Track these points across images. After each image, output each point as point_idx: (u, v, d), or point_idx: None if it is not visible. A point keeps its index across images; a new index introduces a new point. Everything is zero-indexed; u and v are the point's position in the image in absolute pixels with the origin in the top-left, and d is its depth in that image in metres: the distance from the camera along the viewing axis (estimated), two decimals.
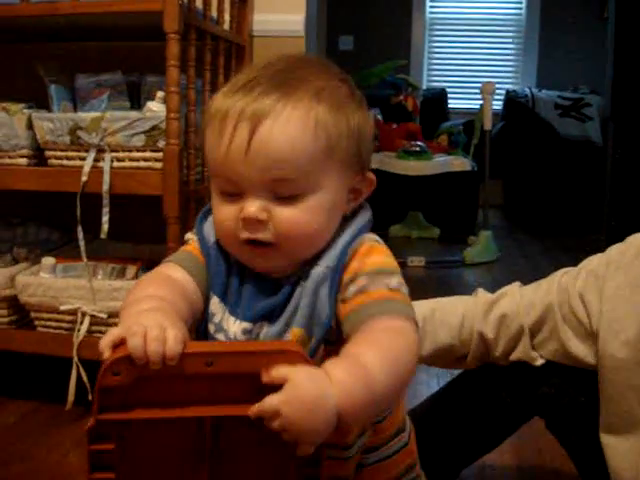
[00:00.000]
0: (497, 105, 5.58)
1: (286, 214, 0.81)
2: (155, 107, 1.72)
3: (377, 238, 0.88)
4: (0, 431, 1.78)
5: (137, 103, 1.92)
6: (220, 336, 0.88)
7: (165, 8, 1.61)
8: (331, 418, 0.68)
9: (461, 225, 4.60)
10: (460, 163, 4.07)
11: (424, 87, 6.05)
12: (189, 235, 0.94)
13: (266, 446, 0.73)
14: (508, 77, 6.24)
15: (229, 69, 2.07)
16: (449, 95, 5.91)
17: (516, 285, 1.33)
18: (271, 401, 0.67)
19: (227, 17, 2.08)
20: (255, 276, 0.87)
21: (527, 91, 5.67)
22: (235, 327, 0.86)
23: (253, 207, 0.80)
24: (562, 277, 1.25)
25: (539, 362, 1.26)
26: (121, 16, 1.75)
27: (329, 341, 0.84)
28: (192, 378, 0.71)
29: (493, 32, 6.22)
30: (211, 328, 0.89)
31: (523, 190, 5.23)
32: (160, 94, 1.73)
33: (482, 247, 3.96)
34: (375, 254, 0.85)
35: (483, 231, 4.01)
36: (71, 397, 1.79)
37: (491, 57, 6.25)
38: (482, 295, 1.34)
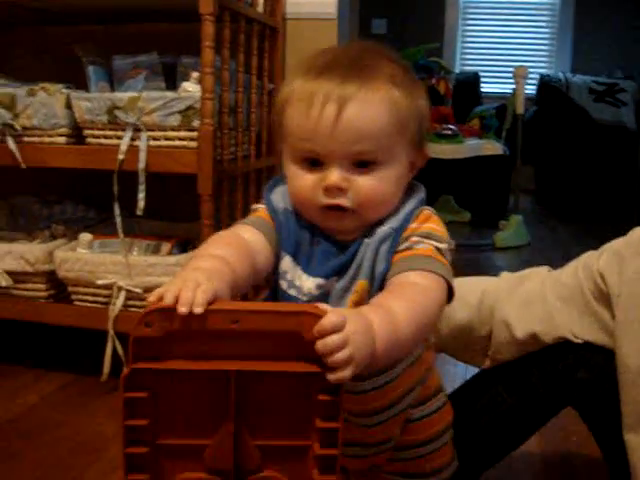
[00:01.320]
0: (531, 90, 5.56)
1: (364, 182, 0.92)
2: (190, 87, 1.75)
3: (434, 211, 0.98)
4: (39, 401, 1.84)
5: (172, 83, 1.95)
6: (292, 292, 0.97)
7: None
8: (372, 347, 0.76)
9: (492, 209, 4.59)
10: (492, 147, 4.06)
11: (457, 71, 6.05)
12: (256, 205, 1.03)
13: (288, 397, 0.78)
14: (542, 62, 6.23)
15: (263, 51, 2.09)
16: (482, 79, 5.90)
17: (544, 268, 1.30)
18: (334, 315, 0.74)
19: (261, 0, 2.11)
20: (325, 237, 0.97)
21: (561, 76, 5.64)
22: (309, 283, 0.96)
23: (335, 177, 0.91)
24: (586, 259, 1.21)
25: (578, 340, 1.18)
26: None
27: None
28: (220, 334, 0.75)
29: (527, 16, 6.21)
30: (283, 284, 0.98)
31: (555, 175, 5.21)
32: (195, 75, 1.77)
33: (513, 231, 3.96)
34: (431, 221, 0.96)
35: (514, 215, 4.01)
36: (106, 369, 1.85)
37: (525, 41, 6.25)
38: (505, 275, 1.32)
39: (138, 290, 1.81)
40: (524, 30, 6.23)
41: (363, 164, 0.91)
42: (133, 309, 1.84)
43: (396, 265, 0.92)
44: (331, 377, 0.73)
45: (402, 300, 0.84)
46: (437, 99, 4.42)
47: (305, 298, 0.96)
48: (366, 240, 0.95)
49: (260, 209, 1.02)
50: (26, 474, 1.49)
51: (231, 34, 1.82)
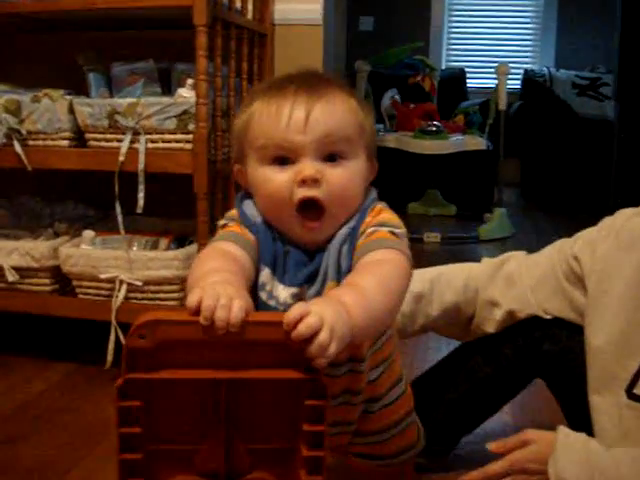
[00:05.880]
0: (516, 84, 5.67)
1: (335, 173, 1.00)
2: (185, 93, 1.87)
3: (386, 205, 1.07)
4: (46, 388, 1.96)
5: (168, 89, 2.07)
6: (272, 302, 1.03)
7: (194, 3, 1.76)
8: (348, 321, 0.82)
9: (478, 203, 4.69)
10: (475, 142, 4.18)
11: (443, 67, 6.14)
12: (223, 221, 1.08)
13: (276, 403, 0.84)
14: (527, 57, 6.33)
15: (253, 56, 2.22)
16: (468, 75, 5.99)
17: (521, 252, 1.47)
18: (296, 306, 0.80)
19: (250, 7, 2.22)
20: (294, 246, 1.04)
21: (545, 70, 5.75)
22: (284, 293, 1.02)
23: (310, 169, 0.99)
24: (561, 244, 1.38)
25: (548, 316, 1.35)
26: (153, 9, 1.90)
27: None
28: (208, 344, 0.80)
29: (512, 12, 6.31)
30: (263, 296, 1.03)
31: (540, 169, 5.31)
32: (190, 81, 1.89)
33: (497, 224, 4.09)
34: (384, 213, 1.05)
35: (498, 208, 4.14)
36: (110, 357, 1.97)
37: (510, 37, 6.34)
38: (486, 260, 1.47)
39: (138, 283, 1.93)
40: (509, 26, 6.32)
41: (332, 158, 1.00)
42: (134, 301, 1.96)
43: (358, 251, 0.99)
44: (317, 361, 0.78)
45: (367, 274, 0.92)
46: (422, 96, 4.53)
47: (282, 308, 1.00)
48: (329, 245, 1.02)
49: (232, 225, 1.05)
50: (34, 455, 1.59)
51: (223, 41, 1.94)
